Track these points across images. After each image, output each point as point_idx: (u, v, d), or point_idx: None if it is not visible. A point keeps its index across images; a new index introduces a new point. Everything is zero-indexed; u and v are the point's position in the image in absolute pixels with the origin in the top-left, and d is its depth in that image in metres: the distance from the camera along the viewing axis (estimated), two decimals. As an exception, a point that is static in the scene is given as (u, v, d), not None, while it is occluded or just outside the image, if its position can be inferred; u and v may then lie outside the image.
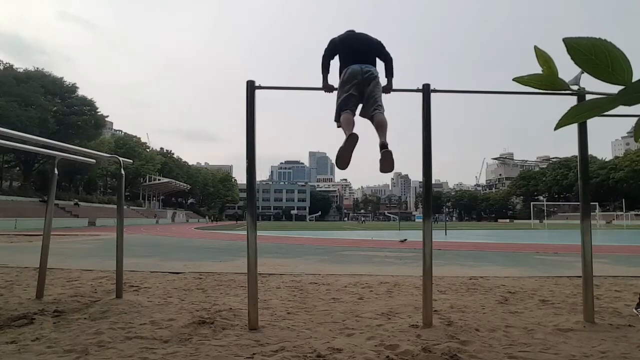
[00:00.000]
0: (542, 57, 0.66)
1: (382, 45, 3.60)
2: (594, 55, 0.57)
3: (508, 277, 5.77)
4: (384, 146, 3.20)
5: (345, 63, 3.46)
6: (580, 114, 0.64)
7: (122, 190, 4.71)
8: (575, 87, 0.67)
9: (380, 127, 3.26)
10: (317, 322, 3.25)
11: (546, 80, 0.66)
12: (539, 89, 0.68)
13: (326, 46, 3.56)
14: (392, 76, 3.56)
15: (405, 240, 14.49)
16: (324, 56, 3.53)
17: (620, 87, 0.58)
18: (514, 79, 0.70)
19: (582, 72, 0.62)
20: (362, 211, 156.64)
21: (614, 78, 0.58)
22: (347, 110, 3.31)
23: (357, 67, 3.37)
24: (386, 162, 3.19)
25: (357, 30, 3.68)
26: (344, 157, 3.14)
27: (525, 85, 0.68)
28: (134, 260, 7.60)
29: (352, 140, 3.13)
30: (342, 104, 3.34)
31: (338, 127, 3.37)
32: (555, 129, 0.70)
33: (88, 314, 3.43)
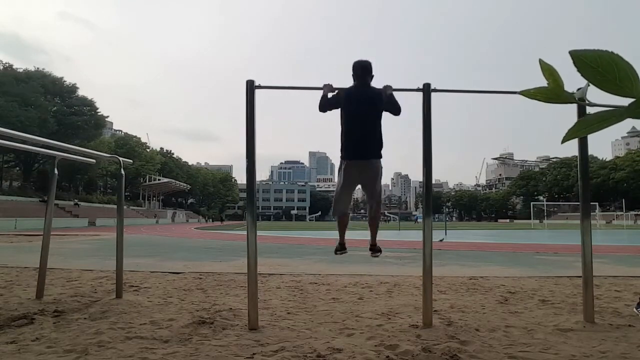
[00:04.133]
0: (547, 70, 0.66)
1: (390, 101, 3.35)
2: (601, 67, 0.57)
3: (508, 277, 5.77)
4: (373, 247, 3.73)
5: (346, 151, 3.36)
6: (588, 127, 0.64)
7: (122, 190, 4.72)
8: (583, 100, 0.67)
9: (372, 226, 3.68)
10: (317, 322, 3.25)
11: (552, 93, 0.66)
12: (545, 102, 0.67)
13: (329, 97, 3.37)
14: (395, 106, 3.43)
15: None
16: (324, 99, 3.37)
17: (628, 100, 0.58)
18: (520, 92, 0.70)
19: (588, 85, 0.62)
20: (362, 211, 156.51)
21: (622, 90, 0.57)
22: (341, 210, 3.61)
23: (355, 163, 3.37)
24: (373, 252, 3.76)
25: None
26: (336, 253, 3.83)
27: (532, 98, 0.68)
28: (134, 260, 7.60)
29: (342, 252, 3.80)
30: (337, 199, 3.58)
31: (333, 215, 3.78)
32: (562, 142, 0.70)
33: (88, 314, 3.43)
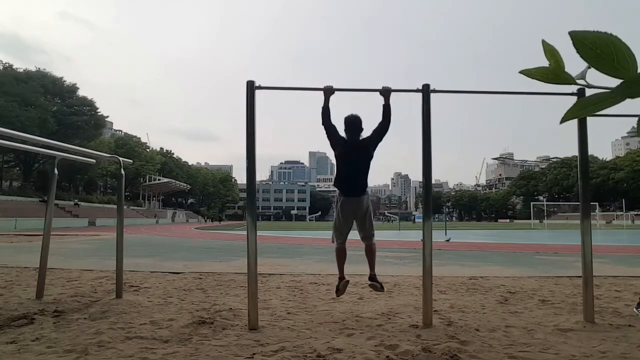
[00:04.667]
0: (550, 51, 0.66)
1: (376, 135, 3.68)
2: (599, 49, 0.57)
3: (508, 277, 5.77)
4: (371, 278, 3.73)
5: (342, 190, 3.72)
6: (586, 108, 0.64)
7: (122, 190, 4.72)
8: (582, 82, 0.67)
9: (369, 256, 3.77)
10: (317, 322, 3.26)
11: (552, 74, 0.66)
12: (545, 82, 0.68)
13: (331, 130, 3.68)
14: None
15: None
16: (324, 117, 3.65)
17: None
18: (520, 72, 0.70)
19: (589, 67, 0.62)
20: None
21: (619, 72, 0.57)
22: (339, 240, 3.79)
23: (349, 200, 3.68)
24: (374, 288, 3.75)
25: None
26: (340, 293, 3.82)
27: (532, 78, 0.68)
28: (134, 260, 7.60)
29: (344, 284, 3.79)
30: (336, 230, 3.80)
31: (332, 241, 3.89)
32: (561, 122, 0.70)
33: (88, 314, 3.43)
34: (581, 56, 0.59)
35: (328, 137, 3.70)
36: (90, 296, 4.23)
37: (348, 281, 3.83)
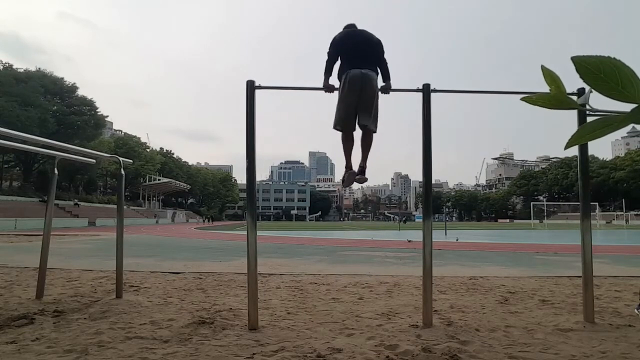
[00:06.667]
0: (550, 77, 0.65)
1: (381, 47, 3.61)
2: (603, 73, 0.57)
3: (508, 277, 5.77)
4: (362, 170, 3.63)
5: (346, 65, 3.51)
6: (591, 133, 0.64)
7: (122, 190, 4.72)
8: (587, 106, 0.66)
9: (365, 147, 3.61)
10: (317, 322, 3.25)
11: (554, 99, 0.65)
12: (548, 108, 0.67)
13: (329, 49, 3.57)
14: (389, 79, 3.58)
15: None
16: (327, 60, 3.55)
17: (630, 105, 0.58)
18: (522, 99, 0.69)
19: (591, 91, 0.61)
20: (362, 211, 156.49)
21: (624, 96, 0.57)
22: (346, 128, 3.53)
23: (357, 72, 3.42)
24: (360, 180, 3.66)
25: (358, 27, 3.72)
26: (347, 184, 3.74)
27: (534, 104, 0.68)
28: (134, 260, 7.60)
29: (350, 176, 3.66)
30: (341, 114, 3.49)
31: (334, 128, 3.58)
32: (565, 148, 0.69)
33: (88, 314, 3.43)
34: (585, 81, 0.59)
35: (334, 57, 3.53)
36: (90, 296, 4.23)
37: (354, 172, 3.67)
